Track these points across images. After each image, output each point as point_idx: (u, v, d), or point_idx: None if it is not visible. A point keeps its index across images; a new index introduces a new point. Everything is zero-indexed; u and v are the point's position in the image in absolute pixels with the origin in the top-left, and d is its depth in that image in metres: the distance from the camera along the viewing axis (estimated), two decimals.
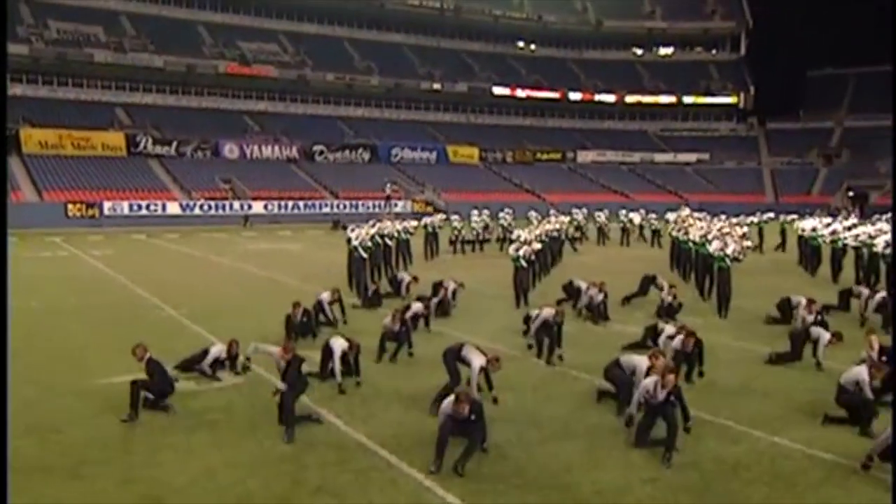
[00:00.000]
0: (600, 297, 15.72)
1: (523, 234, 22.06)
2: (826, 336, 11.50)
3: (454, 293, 16.93)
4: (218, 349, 11.24)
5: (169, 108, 54.64)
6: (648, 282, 17.75)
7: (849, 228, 25.87)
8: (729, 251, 17.00)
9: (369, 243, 20.94)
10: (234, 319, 16.41)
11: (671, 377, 8.02)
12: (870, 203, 56.99)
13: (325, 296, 14.65)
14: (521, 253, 18.25)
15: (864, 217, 54.18)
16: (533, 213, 34.68)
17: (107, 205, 42.20)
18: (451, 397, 7.91)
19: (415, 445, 8.26)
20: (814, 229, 26.04)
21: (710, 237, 19.76)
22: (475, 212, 34.37)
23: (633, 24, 74.21)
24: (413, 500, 7.23)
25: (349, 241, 20.86)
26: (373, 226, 22.89)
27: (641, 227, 35.05)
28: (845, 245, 22.80)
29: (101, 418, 9.64)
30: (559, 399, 10.24)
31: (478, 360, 9.56)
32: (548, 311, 12.23)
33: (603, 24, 72.85)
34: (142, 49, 54.08)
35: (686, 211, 32.38)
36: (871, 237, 23.21)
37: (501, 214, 33.55)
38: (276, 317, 15.94)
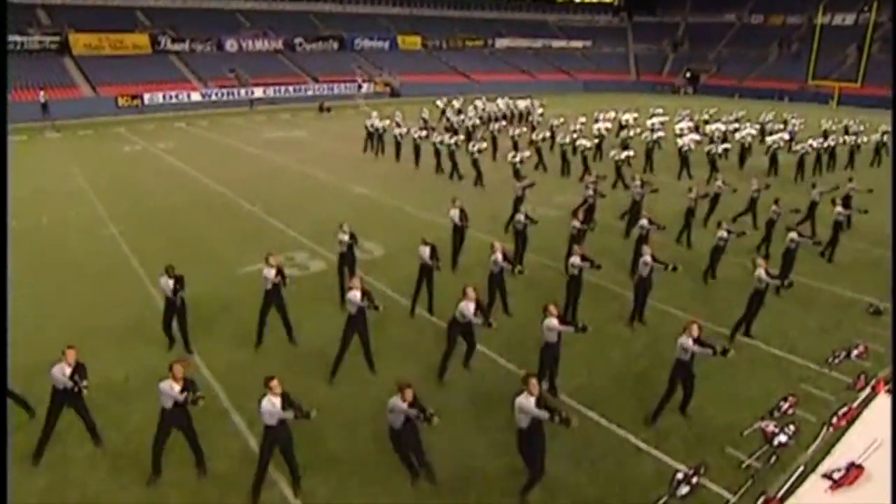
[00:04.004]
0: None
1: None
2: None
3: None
4: None
5: (178, 10, 51.97)
6: None
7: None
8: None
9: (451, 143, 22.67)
10: (298, 213, 17.58)
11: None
12: (700, 83, 59.82)
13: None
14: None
15: (696, 92, 57.76)
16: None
17: (146, 96, 41.92)
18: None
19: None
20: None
21: None
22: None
23: None
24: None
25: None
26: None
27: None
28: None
29: (253, 300, 10.44)
30: None
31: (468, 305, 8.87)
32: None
33: None
34: None
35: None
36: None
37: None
38: (324, 210, 17.67)
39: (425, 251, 11.02)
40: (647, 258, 10.61)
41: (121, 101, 40.64)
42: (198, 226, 16.99)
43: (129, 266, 13.96)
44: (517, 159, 19.93)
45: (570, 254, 11.03)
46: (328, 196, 20.21)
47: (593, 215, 15.82)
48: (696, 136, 25.26)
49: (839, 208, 14.14)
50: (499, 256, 10.75)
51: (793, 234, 12.05)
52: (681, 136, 25.93)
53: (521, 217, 13.34)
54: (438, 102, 37.60)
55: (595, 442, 7.98)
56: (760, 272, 10.02)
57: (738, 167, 24.16)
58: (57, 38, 42.64)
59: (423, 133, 25.04)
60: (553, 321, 8.29)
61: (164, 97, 42.67)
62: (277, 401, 6.48)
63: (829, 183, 17.71)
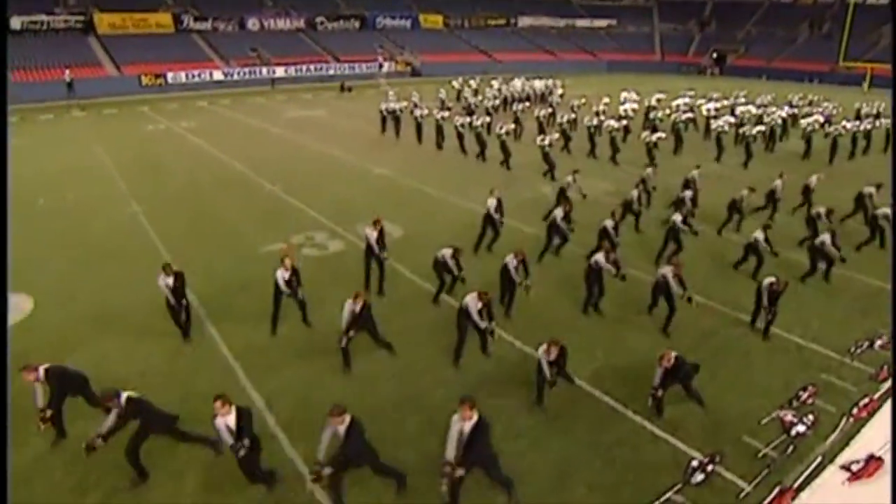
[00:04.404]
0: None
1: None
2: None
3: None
4: None
5: None
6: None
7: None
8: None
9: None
10: (318, 193, 17.64)
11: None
12: (727, 63, 58.29)
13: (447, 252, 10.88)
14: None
15: (723, 73, 56.39)
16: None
17: (170, 74, 42.15)
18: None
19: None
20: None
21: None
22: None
23: None
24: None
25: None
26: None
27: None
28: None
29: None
30: None
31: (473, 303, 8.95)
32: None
33: None
34: None
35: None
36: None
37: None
38: (344, 190, 17.75)
39: (447, 253, 10.81)
40: (669, 274, 10.00)
41: (144, 80, 40.97)
42: (219, 205, 17.08)
43: (151, 245, 14.10)
44: (546, 142, 19.66)
45: (597, 249, 10.77)
46: (348, 176, 20.16)
47: (641, 213, 15.06)
48: (731, 119, 24.81)
49: (886, 209, 13.62)
50: (514, 261, 10.37)
51: (825, 237, 11.94)
52: (712, 117, 25.57)
53: (557, 214, 12.85)
54: (454, 83, 37.27)
55: (611, 427, 7.93)
56: (765, 281, 10.00)
57: (768, 150, 23.73)
58: (82, 18, 43.07)
59: (445, 113, 24.88)
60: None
61: (186, 76, 42.90)
62: (231, 419, 6.20)
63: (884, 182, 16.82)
